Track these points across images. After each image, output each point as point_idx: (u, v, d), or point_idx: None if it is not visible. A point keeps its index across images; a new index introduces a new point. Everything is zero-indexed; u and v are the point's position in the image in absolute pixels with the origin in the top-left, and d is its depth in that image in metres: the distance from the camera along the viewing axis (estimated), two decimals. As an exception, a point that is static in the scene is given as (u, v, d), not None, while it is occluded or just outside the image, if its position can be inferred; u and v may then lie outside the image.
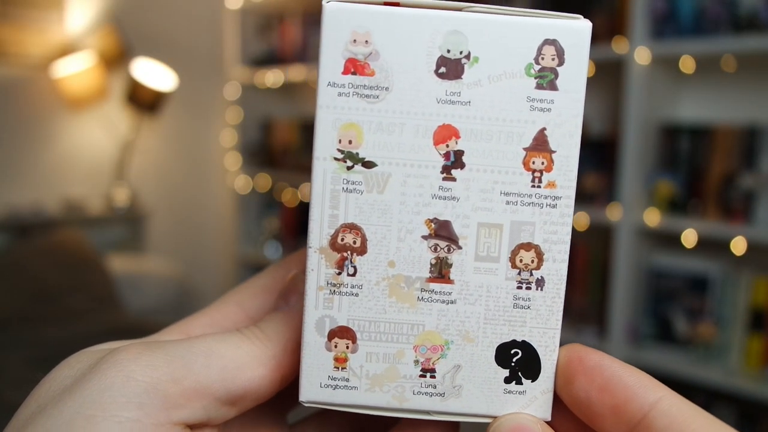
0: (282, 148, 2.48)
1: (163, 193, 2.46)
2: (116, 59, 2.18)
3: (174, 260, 2.37)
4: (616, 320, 1.57)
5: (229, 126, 2.54)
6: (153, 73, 2.15)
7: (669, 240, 1.60)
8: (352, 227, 0.22)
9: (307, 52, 2.35)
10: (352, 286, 0.22)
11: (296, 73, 2.27)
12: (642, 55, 1.50)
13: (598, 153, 1.63)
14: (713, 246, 1.52)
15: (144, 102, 2.16)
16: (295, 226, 2.48)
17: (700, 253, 1.55)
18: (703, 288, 1.51)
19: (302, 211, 2.47)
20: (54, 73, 2.07)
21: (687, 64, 1.55)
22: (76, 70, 2.04)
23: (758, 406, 1.47)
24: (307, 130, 2.42)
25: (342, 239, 0.22)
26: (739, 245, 1.45)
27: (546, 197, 0.22)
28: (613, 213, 1.57)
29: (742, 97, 1.56)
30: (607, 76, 1.64)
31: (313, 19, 2.36)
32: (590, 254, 1.70)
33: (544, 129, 0.22)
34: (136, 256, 2.21)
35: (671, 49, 1.48)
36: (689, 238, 1.50)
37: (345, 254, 0.22)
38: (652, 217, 1.52)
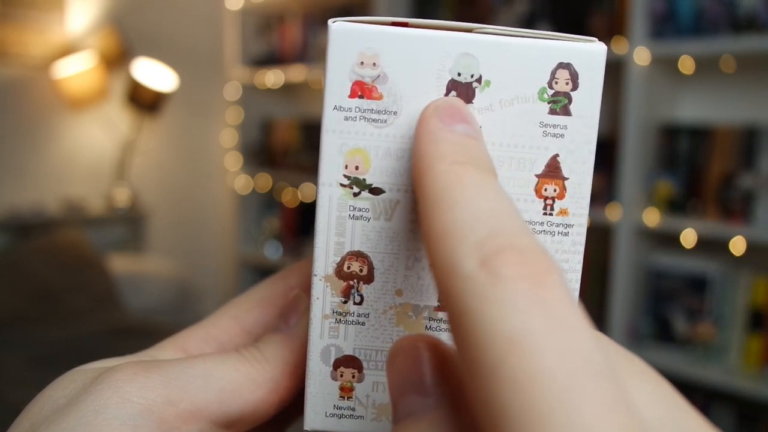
0: (282, 148, 2.48)
1: (163, 193, 2.46)
2: (117, 59, 2.18)
3: (174, 260, 2.37)
4: (615, 320, 1.57)
5: (229, 126, 2.55)
6: (153, 73, 2.16)
7: (668, 240, 1.60)
8: (358, 255, 0.22)
9: (307, 53, 2.36)
10: (359, 315, 0.22)
11: (296, 73, 2.28)
12: (641, 56, 1.50)
13: (598, 153, 1.61)
14: (712, 246, 1.53)
15: (144, 102, 2.16)
16: (295, 226, 2.49)
17: (700, 253, 1.55)
18: (703, 288, 1.51)
19: (302, 211, 2.47)
20: (55, 74, 2.08)
21: (686, 65, 1.55)
22: (76, 70, 2.05)
23: (757, 406, 1.47)
24: (307, 130, 2.43)
25: (348, 267, 0.22)
26: (738, 245, 1.45)
27: (558, 225, 0.22)
28: (613, 213, 1.57)
29: (741, 98, 1.56)
30: (607, 77, 1.62)
31: (313, 20, 2.36)
32: (590, 254, 1.70)
33: (557, 155, 0.22)
34: (136, 256, 2.22)
35: (670, 49, 1.48)
36: (688, 238, 1.51)
37: (351, 282, 0.22)
38: (652, 217, 1.52)
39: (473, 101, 0.21)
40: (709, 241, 1.51)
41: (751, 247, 1.45)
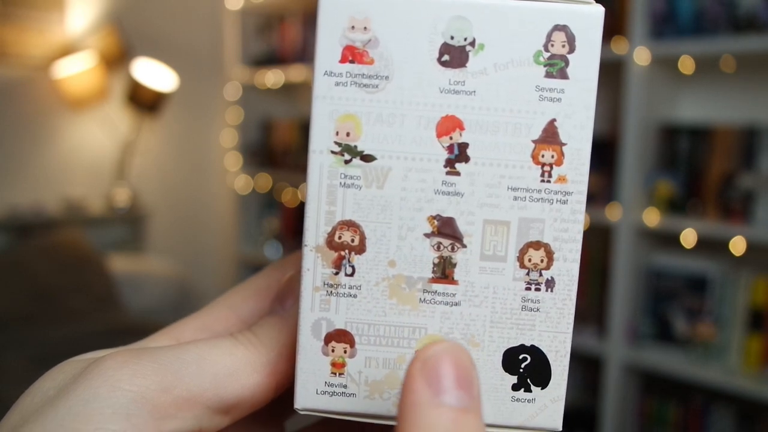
0: (282, 148, 2.48)
1: (163, 193, 2.46)
2: (117, 59, 2.18)
3: (174, 260, 2.37)
4: (615, 320, 1.57)
5: (229, 126, 2.55)
6: (153, 73, 2.16)
7: (668, 240, 1.60)
8: (350, 224, 0.21)
9: (308, 52, 2.36)
10: (350, 287, 0.21)
11: (296, 73, 2.28)
12: (641, 56, 1.50)
13: (598, 153, 1.63)
14: (712, 246, 1.53)
15: (144, 102, 2.16)
16: (295, 226, 2.48)
17: (700, 253, 1.55)
18: (703, 288, 1.51)
19: (302, 211, 2.46)
20: (55, 74, 2.08)
21: (686, 65, 1.55)
22: (76, 70, 2.04)
23: (757, 406, 1.47)
24: (307, 130, 2.41)
25: (339, 237, 0.21)
26: (738, 245, 1.45)
27: (556, 193, 0.21)
28: (613, 213, 1.57)
29: (741, 98, 1.56)
30: (607, 77, 1.64)
31: (313, 20, 2.36)
32: (590, 254, 1.70)
33: (554, 120, 0.21)
34: (136, 256, 2.22)
35: (671, 49, 1.48)
36: (688, 238, 1.51)
37: (342, 253, 0.21)
38: (652, 217, 1.52)
39: (467, 65, 0.20)
40: (709, 241, 1.51)
41: (751, 247, 1.45)
